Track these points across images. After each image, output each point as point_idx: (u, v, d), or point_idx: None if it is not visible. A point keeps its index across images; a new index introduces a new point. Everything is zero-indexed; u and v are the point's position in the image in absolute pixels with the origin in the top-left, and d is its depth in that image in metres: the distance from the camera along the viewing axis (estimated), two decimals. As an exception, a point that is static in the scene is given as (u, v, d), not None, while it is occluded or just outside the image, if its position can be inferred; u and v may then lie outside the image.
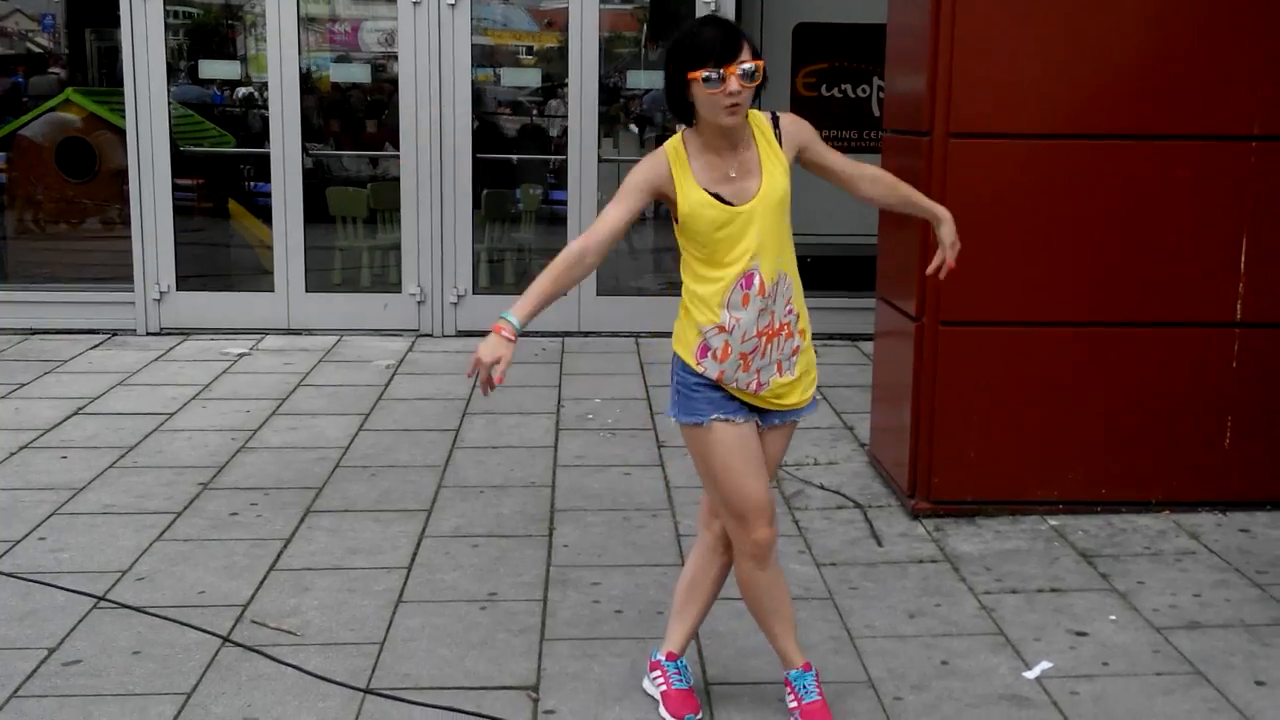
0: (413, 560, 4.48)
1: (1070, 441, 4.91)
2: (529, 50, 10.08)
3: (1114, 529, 4.81)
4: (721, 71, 2.84)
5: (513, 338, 3.01)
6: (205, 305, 8.30)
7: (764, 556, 3.18)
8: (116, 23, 8.03)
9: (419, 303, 8.32)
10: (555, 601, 4.13)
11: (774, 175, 3.02)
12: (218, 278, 9.09)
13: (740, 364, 3.07)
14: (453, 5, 8.05)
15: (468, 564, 4.46)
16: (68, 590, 4.16)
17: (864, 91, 8.88)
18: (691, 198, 2.97)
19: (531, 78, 9.81)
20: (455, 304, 8.32)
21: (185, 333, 8.18)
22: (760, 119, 3.07)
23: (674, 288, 8.80)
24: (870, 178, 3.27)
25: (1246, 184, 4.77)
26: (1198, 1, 4.71)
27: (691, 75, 2.87)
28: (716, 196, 2.97)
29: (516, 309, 3.01)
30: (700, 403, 3.11)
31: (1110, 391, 4.90)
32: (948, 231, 3.35)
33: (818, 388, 3.28)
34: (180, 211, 8.48)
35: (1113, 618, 4.02)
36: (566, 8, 8.28)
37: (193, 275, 8.48)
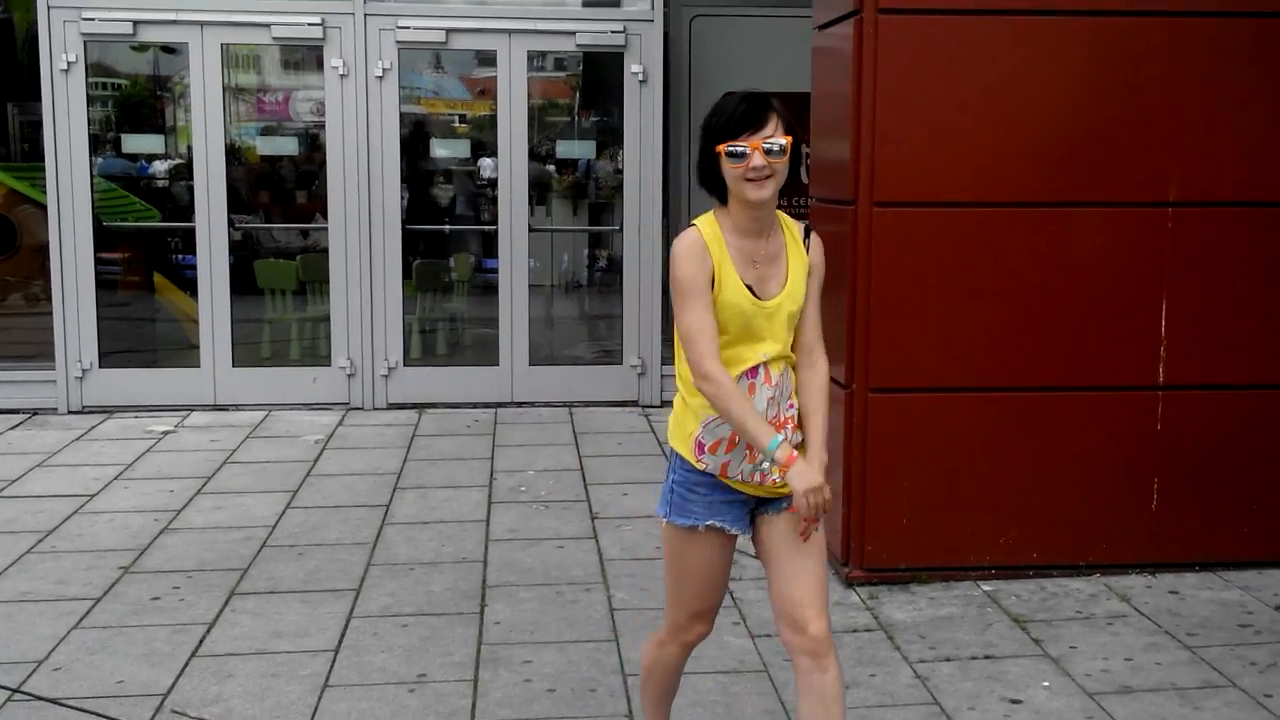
0: (340, 642, 4.38)
1: (1002, 506, 4.93)
2: (462, 119, 10.10)
3: (1046, 593, 4.82)
4: (745, 145, 2.76)
5: (794, 450, 2.85)
6: (129, 382, 8.16)
7: (693, 646, 3.20)
8: (39, 96, 7.94)
9: (349, 375, 8.24)
10: (486, 681, 4.05)
11: (798, 275, 2.93)
12: (142, 354, 8.94)
13: (745, 455, 2.91)
14: (380, 77, 8.05)
15: (397, 645, 4.36)
16: (-21, 683, 4.01)
17: (792, 159, 8.96)
18: (728, 283, 2.85)
19: (462, 147, 9.82)
20: (386, 376, 8.24)
21: (108, 411, 8.02)
22: (788, 220, 2.98)
23: (608, 355, 8.88)
24: (813, 358, 3.01)
25: (1164, 249, 4.86)
26: (1116, 73, 4.81)
27: (719, 148, 2.80)
28: (750, 289, 2.86)
29: (770, 432, 2.81)
30: (697, 505, 2.97)
31: (1039, 456, 4.94)
32: (796, 477, 2.81)
33: None
34: (104, 287, 8.37)
35: (1046, 684, 4.01)
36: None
37: (116, 351, 8.34)
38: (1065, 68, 4.81)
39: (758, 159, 2.77)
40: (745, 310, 2.86)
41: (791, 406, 2.97)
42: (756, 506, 3.00)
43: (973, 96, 4.77)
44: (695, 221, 2.92)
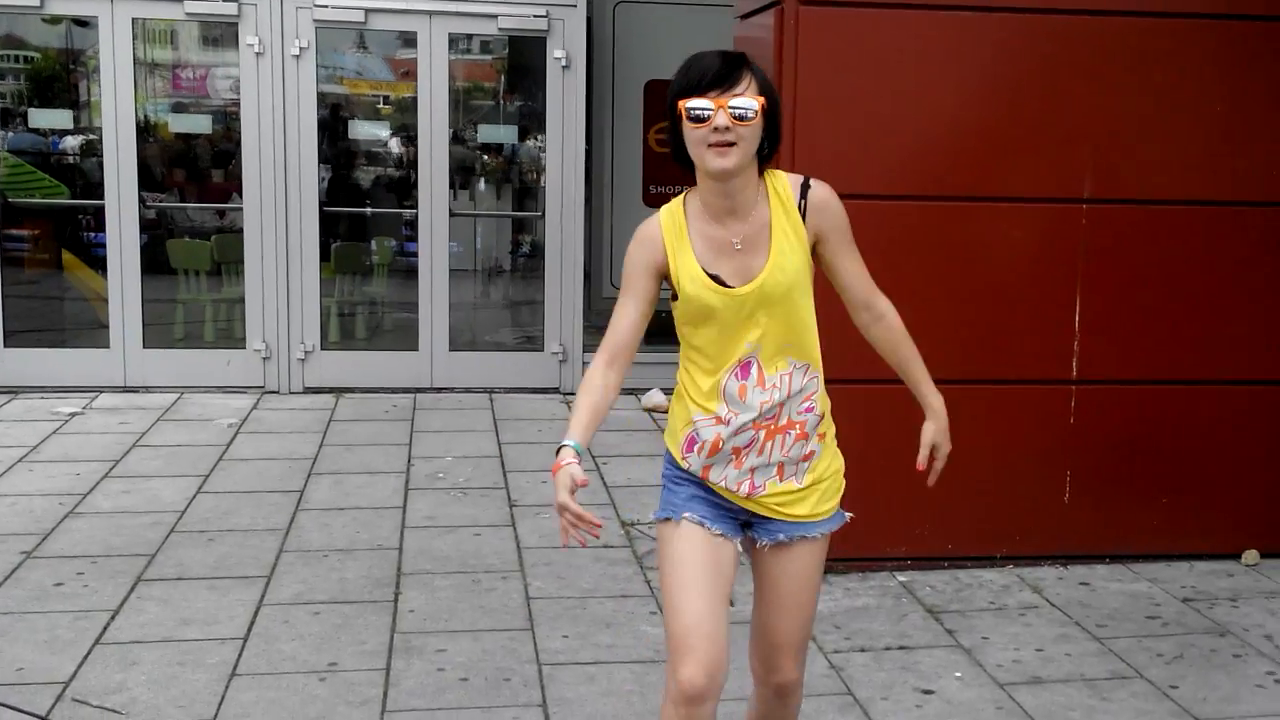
0: (249, 630, 4.30)
1: (916, 498, 4.93)
2: (386, 100, 9.96)
3: (960, 584, 4.87)
4: (710, 104, 2.41)
5: (576, 459, 2.47)
6: (36, 362, 7.95)
7: (686, 706, 2.50)
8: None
9: (264, 359, 8.10)
10: (399, 670, 4.00)
11: (784, 253, 2.53)
12: (50, 333, 8.71)
13: (731, 459, 2.61)
14: (297, 56, 7.91)
15: (308, 633, 4.29)
16: None
17: (715, 148, 8.95)
18: (685, 274, 2.53)
19: (383, 129, 9.69)
20: (303, 360, 8.11)
21: (13, 391, 7.81)
22: (783, 181, 2.58)
23: (530, 341, 8.83)
24: (876, 312, 2.73)
25: (1078, 245, 4.92)
26: (1035, 69, 4.86)
27: (680, 105, 2.45)
28: (715, 279, 2.52)
29: (572, 433, 2.51)
30: (678, 498, 2.66)
31: (956, 448, 4.94)
32: (933, 430, 2.85)
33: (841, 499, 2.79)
34: (11, 265, 8.15)
35: (958, 674, 4.05)
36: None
37: (23, 331, 8.12)
38: (985, 63, 4.85)
39: (722, 118, 2.40)
40: (710, 303, 2.53)
41: (808, 410, 2.63)
42: (752, 525, 2.69)
43: (893, 89, 4.79)
44: (663, 208, 2.63)
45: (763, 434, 2.61)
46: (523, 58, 9.15)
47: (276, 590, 4.68)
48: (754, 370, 2.58)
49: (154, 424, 7.16)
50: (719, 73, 2.44)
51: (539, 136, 8.79)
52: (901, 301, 4.81)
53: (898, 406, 4.93)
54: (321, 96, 8.25)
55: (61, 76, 9.26)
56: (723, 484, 2.63)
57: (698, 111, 2.43)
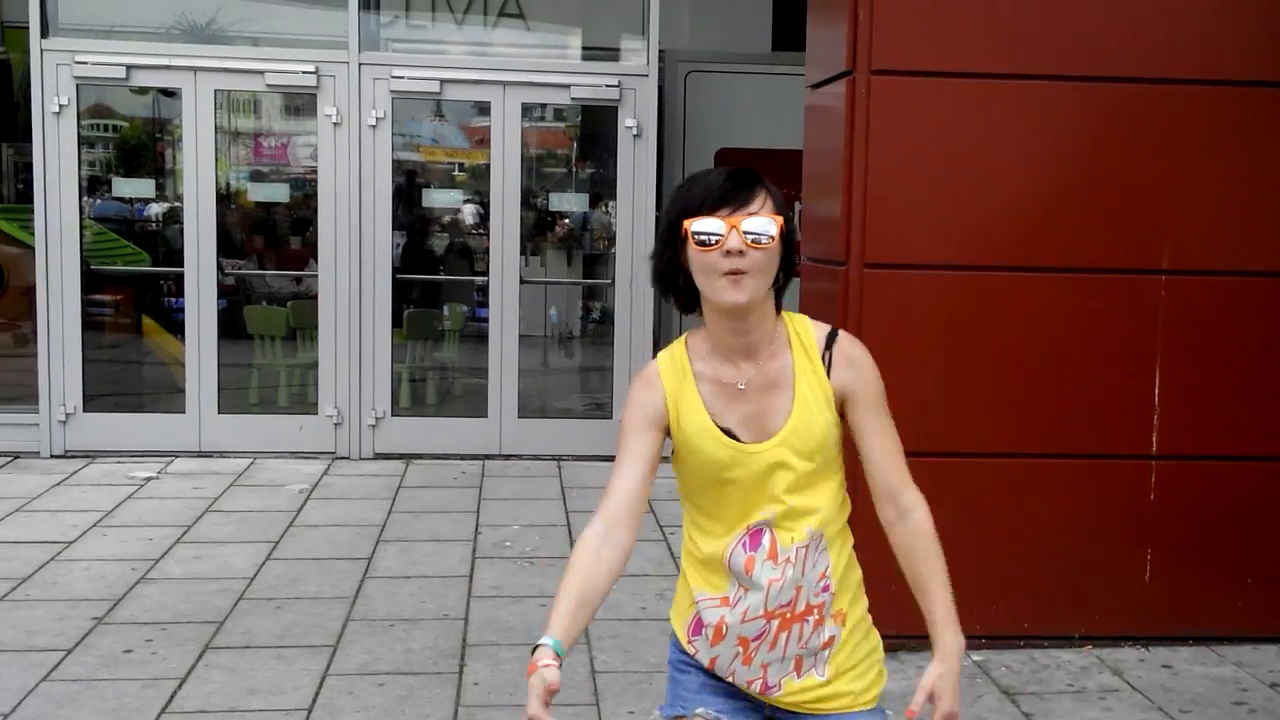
0: (314, 701, 4.28)
1: (992, 575, 4.85)
2: (460, 167, 10.09)
3: (1037, 665, 4.74)
4: (721, 224, 2.09)
5: (554, 661, 2.04)
6: (113, 426, 8.07)
7: None
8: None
9: (336, 424, 8.16)
10: (462, 746, 3.96)
11: (809, 406, 2.18)
12: (128, 397, 8.86)
13: (739, 652, 2.25)
14: (373, 126, 8.03)
15: (372, 704, 4.27)
16: (-59, 738, 3.91)
17: (786, 216, 8.93)
18: (689, 424, 2.19)
19: (455, 196, 9.81)
20: (373, 426, 8.16)
21: (91, 455, 7.93)
22: (805, 326, 2.25)
23: (599, 408, 8.80)
24: (902, 507, 2.29)
25: (1157, 317, 4.81)
26: (1108, 138, 4.79)
27: (685, 225, 2.13)
28: (727, 432, 2.18)
29: (552, 627, 2.09)
30: (685, 689, 2.33)
31: (1031, 524, 4.87)
32: (936, 675, 2.22)
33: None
34: (92, 329, 8.30)
35: (1036, 760, 3.92)
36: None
37: (102, 395, 8.26)
38: (1057, 132, 4.79)
39: (734, 241, 2.08)
40: (718, 459, 2.17)
41: (825, 590, 2.25)
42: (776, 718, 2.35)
43: (965, 158, 4.75)
44: (660, 354, 2.29)
45: (776, 624, 2.22)
46: (595, 126, 9.23)
47: (342, 660, 4.66)
48: (766, 540, 2.20)
49: (226, 489, 7.23)
50: (730, 189, 2.12)
51: (610, 204, 8.84)
52: (974, 375, 4.79)
53: (968, 479, 4.88)
54: (397, 164, 8.37)
55: (148, 145, 9.51)
56: (731, 679, 2.29)
57: (706, 234, 2.10)
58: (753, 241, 2.10)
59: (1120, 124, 4.79)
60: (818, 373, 2.21)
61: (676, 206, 2.17)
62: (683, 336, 2.29)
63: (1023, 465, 4.86)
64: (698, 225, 2.11)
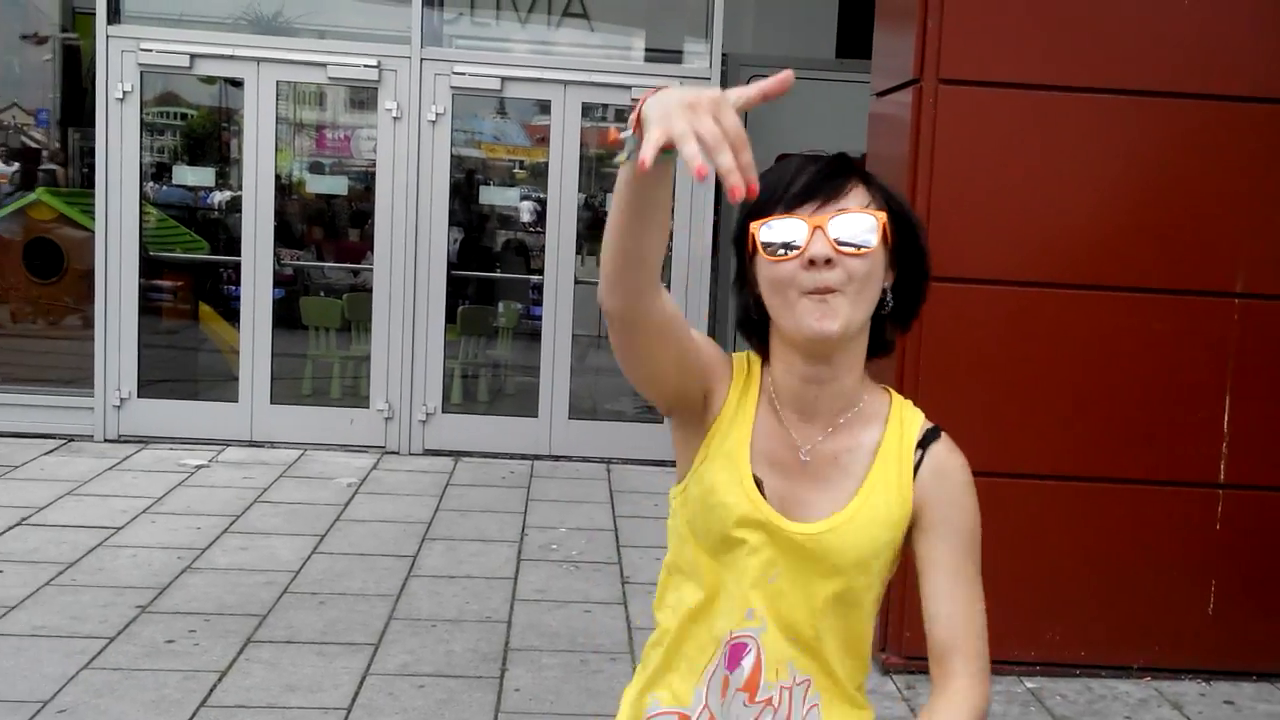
0: (353, 701, 4.24)
1: (1048, 600, 4.73)
2: (520, 165, 10.06)
3: (1093, 695, 4.61)
4: (801, 224, 1.54)
5: None
6: (166, 413, 8.09)
7: None
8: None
9: (386, 419, 8.14)
10: (501, 754, 3.90)
11: (875, 508, 1.63)
12: (182, 384, 8.89)
13: None
14: (433, 121, 8.01)
15: (411, 706, 4.22)
16: (-19, 723, 3.90)
17: (846, 224, 8.81)
18: (725, 459, 1.65)
19: (512, 193, 9.77)
20: (424, 421, 8.13)
21: (144, 441, 7.96)
22: (909, 411, 1.70)
23: (650, 412, 8.73)
24: (941, 681, 1.65)
25: (1229, 341, 4.67)
26: (1185, 155, 4.65)
27: (752, 228, 1.58)
28: (758, 482, 1.64)
29: None
30: None
31: (1090, 549, 4.74)
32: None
33: None
34: (149, 315, 8.33)
35: (1090, 795, 3.81)
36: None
37: (156, 381, 8.29)
38: (1129, 146, 4.66)
39: (820, 246, 1.53)
40: (737, 514, 1.62)
41: None
42: None
43: (1033, 171, 4.63)
44: (738, 354, 1.76)
45: None
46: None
47: (383, 660, 4.62)
48: (747, 662, 1.65)
49: (276, 480, 7.22)
50: (814, 179, 1.58)
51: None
52: (1034, 393, 4.66)
53: (1027, 501, 4.75)
54: (455, 160, 8.34)
55: (213, 134, 9.56)
56: None
57: (780, 237, 1.55)
58: (846, 245, 1.54)
59: (1194, 140, 4.65)
60: (898, 471, 1.64)
61: (744, 206, 1.59)
62: (753, 355, 1.75)
63: (1083, 489, 4.73)
64: (770, 226, 1.56)
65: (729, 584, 1.65)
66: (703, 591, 1.68)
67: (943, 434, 1.70)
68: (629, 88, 8.15)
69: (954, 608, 1.64)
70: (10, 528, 5.98)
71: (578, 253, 8.51)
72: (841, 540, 1.62)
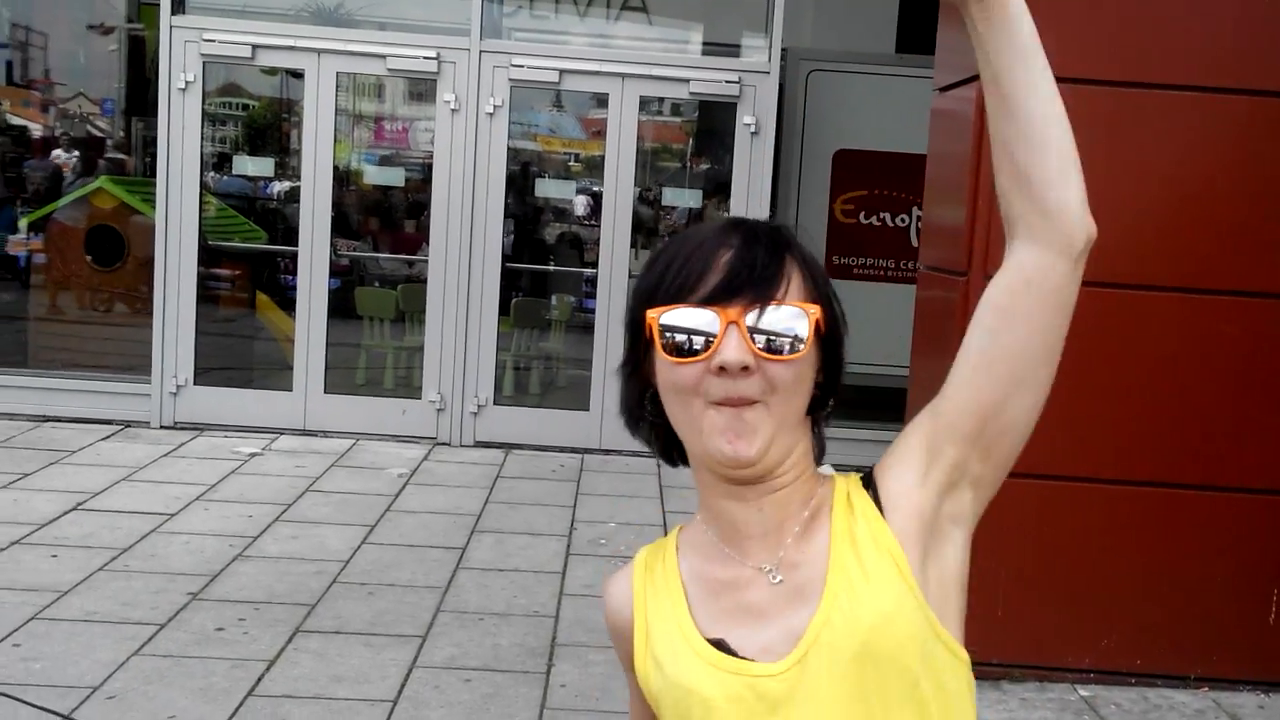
0: (400, 693, 4.24)
1: (1104, 606, 4.64)
2: (576, 158, 10.05)
3: (1149, 704, 4.51)
4: (710, 315, 1.25)
5: None
6: (222, 401, 8.16)
7: None
8: (158, 113, 8.04)
9: (438, 410, 8.15)
10: (545, 750, 3.87)
11: (856, 593, 1.27)
12: (238, 372, 8.96)
13: None
14: (491, 114, 8.00)
15: (457, 700, 4.21)
16: (32, 706, 3.93)
17: (903, 221, 8.74)
18: (666, 647, 1.35)
19: (568, 186, 9.76)
20: (475, 414, 8.14)
21: (199, 428, 8.02)
22: (852, 487, 1.35)
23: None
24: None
25: (1299, 345, 4.55)
26: (1265, 154, 4.53)
27: (649, 318, 1.28)
28: (719, 646, 1.31)
29: None
30: None
31: (1149, 555, 4.64)
32: None
33: None
34: (207, 303, 8.41)
35: (1145, 808, 3.72)
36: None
37: (213, 369, 8.36)
38: (1209, 145, 4.55)
39: (733, 350, 1.24)
40: (707, 695, 1.29)
41: None
42: None
43: (1097, 169, 4.51)
44: (640, 550, 1.49)
45: None
46: (712, 122, 9.10)
47: (430, 652, 4.61)
48: None
49: (328, 469, 7.25)
50: (734, 254, 1.27)
51: (723, 201, 8.70)
52: (1095, 397, 4.56)
53: (1086, 506, 4.66)
54: (512, 153, 8.33)
55: (274, 125, 9.63)
56: None
57: (683, 333, 1.25)
58: (769, 349, 1.25)
59: (1262, 137, 4.53)
60: (878, 539, 1.30)
61: (642, 285, 1.32)
62: (676, 528, 1.47)
63: (1143, 494, 4.63)
64: (670, 318, 1.26)
65: None
66: None
67: (875, 471, 1.38)
68: (687, 81, 8.10)
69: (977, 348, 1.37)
70: (65, 513, 6.05)
71: (632, 246, 8.48)
72: (836, 640, 1.25)
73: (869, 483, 1.35)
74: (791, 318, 1.26)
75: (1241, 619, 4.64)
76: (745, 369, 1.24)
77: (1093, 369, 4.56)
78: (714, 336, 1.24)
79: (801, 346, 1.26)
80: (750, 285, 1.25)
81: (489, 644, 4.73)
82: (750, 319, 1.25)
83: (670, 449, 1.40)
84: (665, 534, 1.41)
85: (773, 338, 1.25)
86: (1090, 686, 4.61)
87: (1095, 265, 4.68)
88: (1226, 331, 4.56)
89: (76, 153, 10.12)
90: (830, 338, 1.32)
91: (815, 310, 1.28)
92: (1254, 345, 4.56)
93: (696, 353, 1.25)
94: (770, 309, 1.25)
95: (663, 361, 1.28)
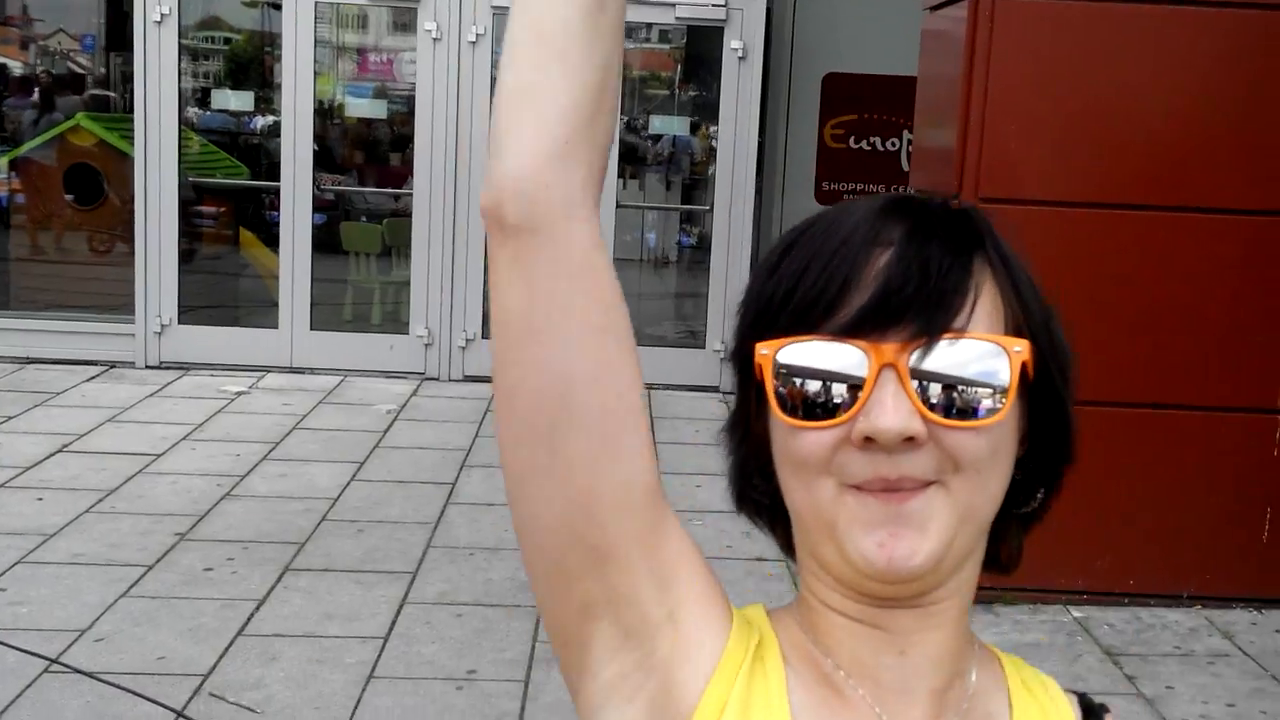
0: (391, 629, 4.22)
1: (1097, 528, 4.61)
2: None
3: (1142, 624, 4.51)
4: (857, 352, 0.81)
5: None
6: (207, 340, 8.08)
7: None
8: (136, 48, 7.88)
9: (426, 345, 8.08)
10: (538, 683, 3.86)
11: None
12: (223, 310, 8.87)
13: None
14: (473, 42, 7.86)
15: (449, 636, 4.19)
16: (20, 650, 3.89)
17: (893, 145, 8.63)
18: None
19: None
20: (464, 348, 8.07)
21: (185, 367, 7.95)
22: (1035, 674, 1.04)
23: (692, 336, 8.65)
24: None
25: (1294, 262, 4.50)
26: (1247, 71, 4.45)
27: (759, 354, 0.85)
28: None
29: None
30: None
31: (1142, 476, 4.61)
32: None
33: None
34: (189, 241, 8.30)
35: (1138, 729, 3.72)
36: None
37: (197, 307, 8.27)
38: (1193, 63, 4.46)
39: (892, 412, 0.80)
40: None
41: None
42: None
43: (1092, 88, 4.44)
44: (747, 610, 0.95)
45: None
46: (699, 47, 8.95)
47: (421, 588, 4.59)
48: None
49: (315, 406, 7.20)
50: (898, 259, 0.83)
51: (711, 128, 8.59)
52: (1089, 317, 4.50)
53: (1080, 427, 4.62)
54: (495, 83, 8.19)
55: (256, 59, 9.45)
56: None
57: (815, 378, 0.83)
58: (946, 407, 0.82)
59: (1263, 57, 4.44)
60: None
61: (748, 299, 0.91)
62: (759, 606, 0.96)
63: (1135, 415, 4.60)
64: (790, 355, 0.84)
65: None
66: None
67: (1107, 714, 1.01)
68: (673, 5, 7.95)
69: None
70: (51, 455, 6.00)
71: (619, 176, 8.38)
72: None
73: (1094, 711, 0.99)
74: (985, 356, 0.83)
75: (1234, 537, 4.63)
76: (911, 440, 0.81)
77: (1085, 293, 4.50)
78: (859, 387, 0.81)
79: (1003, 397, 0.83)
80: (918, 306, 0.82)
81: (480, 579, 4.70)
82: (915, 359, 0.81)
83: (783, 537, 0.97)
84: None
85: (955, 390, 0.82)
86: (1083, 608, 4.60)
87: (1091, 186, 4.64)
88: (1223, 251, 4.50)
89: (55, 90, 9.94)
90: (1043, 386, 0.88)
91: (1023, 347, 0.85)
92: (1250, 264, 4.51)
93: (831, 412, 0.82)
94: (945, 344, 0.82)
95: (778, 424, 0.86)
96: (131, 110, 8.13)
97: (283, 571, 4.68)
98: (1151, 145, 4.48)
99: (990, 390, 0.83)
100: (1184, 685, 4.02)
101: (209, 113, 9.17)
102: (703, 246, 8.77)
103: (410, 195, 8.21)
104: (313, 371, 8.01)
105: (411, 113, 8.29)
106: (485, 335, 8.14)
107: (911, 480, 0.82)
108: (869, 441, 0.81)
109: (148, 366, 7.94)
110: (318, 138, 8.16)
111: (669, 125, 9.39)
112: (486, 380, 7.98)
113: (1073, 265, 4.50)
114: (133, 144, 7.95)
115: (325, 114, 8.75)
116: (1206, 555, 4.66)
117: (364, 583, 4.61)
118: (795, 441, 0.84)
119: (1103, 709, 1.01)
